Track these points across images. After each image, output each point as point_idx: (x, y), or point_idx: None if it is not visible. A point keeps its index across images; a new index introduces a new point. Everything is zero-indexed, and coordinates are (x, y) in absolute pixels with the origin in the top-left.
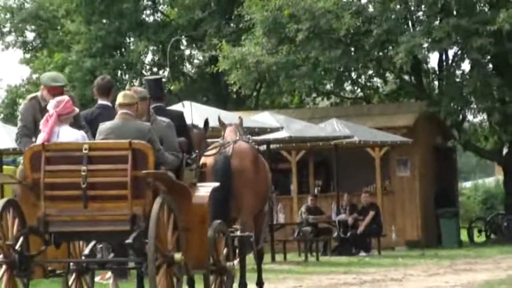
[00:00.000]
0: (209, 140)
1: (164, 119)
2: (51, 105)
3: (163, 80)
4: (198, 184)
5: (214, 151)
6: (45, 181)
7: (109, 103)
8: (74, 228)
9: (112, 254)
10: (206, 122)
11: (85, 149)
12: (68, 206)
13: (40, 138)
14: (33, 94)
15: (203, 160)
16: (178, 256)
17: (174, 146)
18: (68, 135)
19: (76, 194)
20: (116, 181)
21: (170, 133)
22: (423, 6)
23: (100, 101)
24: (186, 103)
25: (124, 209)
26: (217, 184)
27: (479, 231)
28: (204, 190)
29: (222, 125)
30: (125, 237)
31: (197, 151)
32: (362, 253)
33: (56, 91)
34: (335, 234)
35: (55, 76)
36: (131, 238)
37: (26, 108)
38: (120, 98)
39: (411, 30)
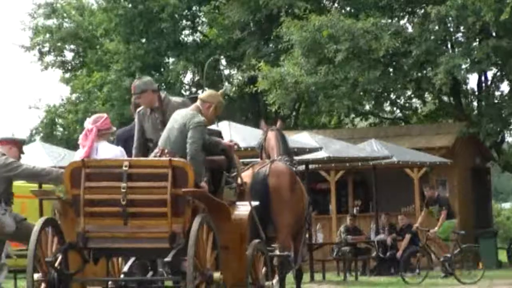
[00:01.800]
0: (247, 160)
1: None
2: (90, 120)
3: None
4: (238, 203)
5: (251, 170)
6: (85, 197)
7: None
8: (113, 245)
9: (150, 273)
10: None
11: (125, 166)
12: (108, 223)
13: (80, 154)
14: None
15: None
16: (217, 275)
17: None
18: (107, 151)
19: (116, 211)
20: (156, 198)
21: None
22: (462, 28)
23: None
24: (223, 123)
25: (164, 227)
26: (256, 202)
27: None
28: (244, 208)
29: (264, 128)
30: (164, 255)
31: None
32: (408, 274)
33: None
34: (373, 254)
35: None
36: (170, 256)
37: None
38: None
39: (450, 51)
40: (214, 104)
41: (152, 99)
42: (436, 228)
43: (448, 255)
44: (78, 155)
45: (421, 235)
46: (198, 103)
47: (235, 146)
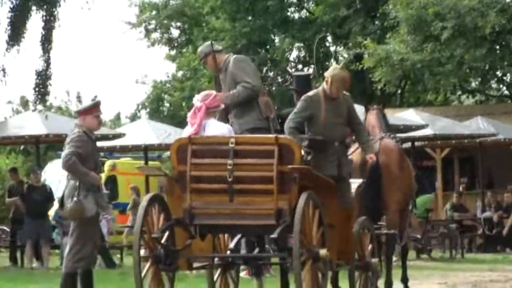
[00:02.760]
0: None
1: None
2: (198, 98)
3: (311, 77)
4: None
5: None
6: (191, 174)
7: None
8: (219, 221)
9: (257, 249)
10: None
11: (232, 143)
12: (214, 199)
13: (187, 131)
14: None
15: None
16: (323, 252)
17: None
18: (215, 128)
19: (222, 188)
20: (262, 175)
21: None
22: None
23: None
24: None
25: (270, 204)
26: (360, 180)
27: None
28: (351, 186)
29: (365, 108)
30: (270, 231)
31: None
32: (509, 251)
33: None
34: (480, 231)
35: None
36: (276, 232)
37: None
38: None
39: None
40: (329, 78)
41: (214, 63)
42: None
43: None
44: (186, 132)
45: None
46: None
47: None
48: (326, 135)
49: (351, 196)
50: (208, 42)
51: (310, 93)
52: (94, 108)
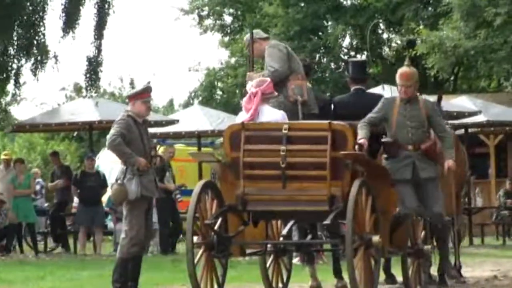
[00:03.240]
0: None
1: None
2: (253, 84)
3: (366, 63)
4: None
5: None
6: (244, 160)
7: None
8: (272, 208)
9: (309, 236)
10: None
11: (285, 129)
12: (267, 186)
13: (242, 116)
14: None
15: None
16: (375, 238)
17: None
18: (270, 114)
19: (275, 174)
20: (315, 161)
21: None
22: None
23: None
24: (386, 86)
25: (323, 190)
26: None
27: None
28: None
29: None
30: (322, 218)
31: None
32: None
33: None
34: None
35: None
36: (329, 219)
37: None
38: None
39: None
40: (396, 79)
41: (258, 47)
42: None
43: None
44: (240, 118)
45: None
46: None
47: None
48: (398, 138)
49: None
50: (255, 30)
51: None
52: (144, 93)
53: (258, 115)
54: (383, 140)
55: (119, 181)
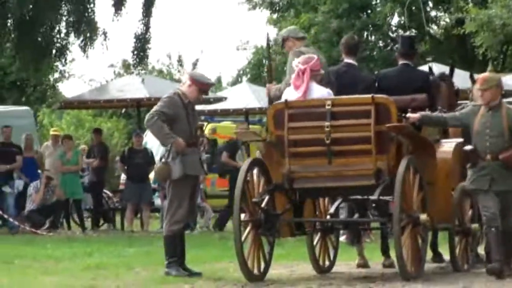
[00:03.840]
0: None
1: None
2: (301, 60)
3: (415, 38)
4: (442, 140)
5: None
6: (289, 138)
7: (355, 62)
8: (318, 184)
9: (356, 215)
10: (452, 68)
11: (328, 105)
12: (312, 162)
13: (290, 93)
14: None
15: None
16: (423, 216)
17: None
18: (318, 91)
19: (320, 150)
20: (360, 136)
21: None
22: None
23: (347, 60)
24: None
25: (369, 164)
26: (461, 140)
27: None
28: (448, 145)
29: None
30: (369, 192)
31: (439, 107)
32: None
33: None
34: None
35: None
36: (376, 193)
37: None
38: None
39: None
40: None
41: (291, 46)
42: None
43: None
44: (289, 95)
45: None
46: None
47: None
48: (477, 146)
49: None
50: (291, 27)
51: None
52: (206, 85)
53: (308, 92)
54: (464, 148)
55: (163, 160)
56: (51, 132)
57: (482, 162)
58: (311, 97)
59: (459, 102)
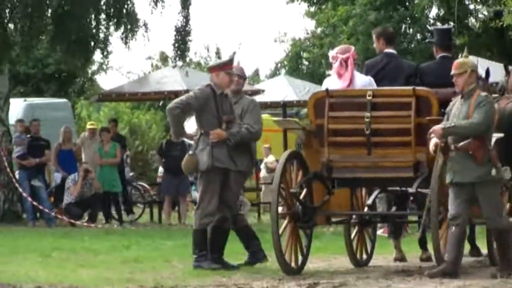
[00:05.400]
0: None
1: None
2: (337, 51)
3: (452, 30)
4: None
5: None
6: (329, 127)
7: (395, 52)
8: (357, 175)
9: (394, 208)
10: (487, 72)
11: (369, 96)
12: (352, 152)
13: (333, 82)
14: None
15: None
16: None
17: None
18: (361, 79)
19: (360, 141)
20: (399, 127)
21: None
22: None
23: (387, 50)
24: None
25: (408, 156)
26: (501, 134)
27: None
28: None
29: (508, 71)
30: (408, 184)
31: None
32: None
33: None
34: None
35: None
36: (414, 186)
37: None
38: None
39: None
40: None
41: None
42: None
43: None
44: (331, 83)
45: None
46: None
47: None
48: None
49: None
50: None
51: None
52: (228, 65)
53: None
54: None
55: (190, 151)
56: (88, 126)
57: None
58: (355, 85)
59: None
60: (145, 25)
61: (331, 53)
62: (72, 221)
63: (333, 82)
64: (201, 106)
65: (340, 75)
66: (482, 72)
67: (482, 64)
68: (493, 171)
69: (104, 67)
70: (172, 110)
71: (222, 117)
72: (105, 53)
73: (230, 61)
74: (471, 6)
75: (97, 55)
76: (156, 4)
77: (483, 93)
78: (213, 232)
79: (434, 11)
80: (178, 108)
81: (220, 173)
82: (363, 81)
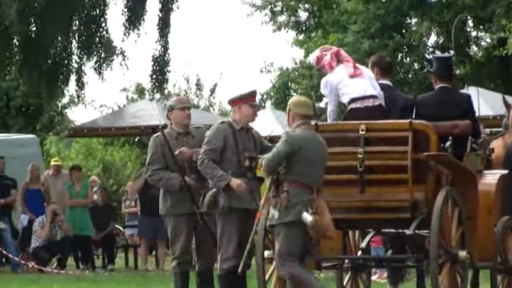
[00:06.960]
0: (493, 130)
1: None
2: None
3: (452, 59)
4: (485, 172)
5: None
6: None
7: (390, 83)
8: (350, 216)
9: (389, 251)
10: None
11: (362, 130)
12: (344, 191)
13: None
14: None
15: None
16: (462, 254)
17: None
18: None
19: (353, 178)
20: (395, 164)
21: None
22: None
23: (381, 81)
24: (472, 89)
25: (405, 195)
26: (505, 171)
27: None
28: (491, 177)
29: (507, 105)
30: (404, 226)
31: (484, 136)
32: None
33: None
34: None
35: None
36: (412, 228)
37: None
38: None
39: None
40: None
41: None
42: None
43: None
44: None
45: None
46: None
47: None
48: None
49: None
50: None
51: None
52: (251, 97)
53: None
54: None
55: (214, 189)
56: (52, 163)
57: None
58: (363, 75)
59: (494, 129)
60: (122, 53)
61: (313, 55)
62: (41, 267)
63: (337, 73)
64: (221, 146)
65: (331, 67)
66: (483, 104)
67: (485, 96)
68: None
69: (76, 100)
70: (201, 166)
71: (241, 154)
72: (80, 84)
73: (253, 92)
74: (473, 34)
75: (71, 87)
76: (128, 32)
77: None
78: (232, 278)
79: (432, 39)
80: (205, 161)
81: (240, 213)
82: (370, 73)
